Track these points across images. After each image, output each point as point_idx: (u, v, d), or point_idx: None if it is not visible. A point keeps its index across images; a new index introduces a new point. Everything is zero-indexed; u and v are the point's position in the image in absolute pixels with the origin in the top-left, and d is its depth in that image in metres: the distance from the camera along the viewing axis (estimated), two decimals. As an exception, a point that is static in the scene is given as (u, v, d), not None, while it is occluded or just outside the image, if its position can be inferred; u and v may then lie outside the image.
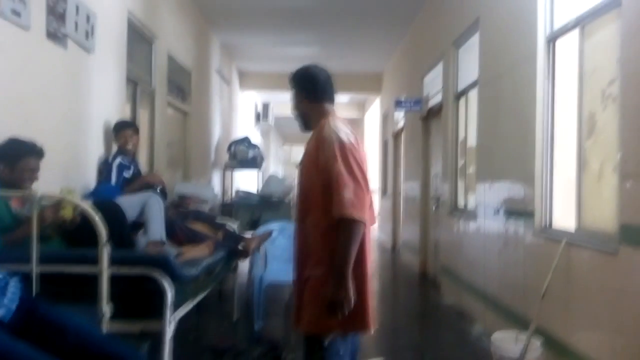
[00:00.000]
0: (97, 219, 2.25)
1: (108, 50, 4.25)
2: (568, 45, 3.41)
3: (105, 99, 4.26)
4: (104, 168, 4.03)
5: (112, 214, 2.86)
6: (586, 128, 3.14)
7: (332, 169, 1.97)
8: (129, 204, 3.36)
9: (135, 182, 4.00)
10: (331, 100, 2.30)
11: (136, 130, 4.28)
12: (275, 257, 4.88)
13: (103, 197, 3.48)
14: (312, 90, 2.27)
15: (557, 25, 3.51)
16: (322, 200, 2.00)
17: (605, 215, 2.89)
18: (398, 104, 7.70)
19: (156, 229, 3.33)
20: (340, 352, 1.98)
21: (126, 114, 4.80)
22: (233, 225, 4.88)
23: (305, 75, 2.32)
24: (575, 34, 3.28)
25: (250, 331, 4.29)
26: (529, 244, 3.67)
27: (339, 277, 1.91)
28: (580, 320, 2.97)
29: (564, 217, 3.40)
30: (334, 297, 1.90)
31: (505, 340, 3.24)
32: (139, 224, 3.41)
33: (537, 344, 3.14)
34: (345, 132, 2.10)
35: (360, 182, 1.99)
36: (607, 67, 2.92)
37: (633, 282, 2.47)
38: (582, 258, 2.97)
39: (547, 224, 3.54)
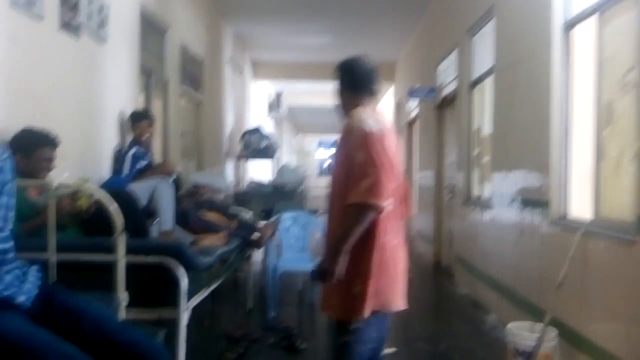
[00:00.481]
0: (113, 208, 2.27)
1: (121, 40, 4.27)
2: (585, 32, 3.34)
3: (119, 89, 4.28)
4: (120, 157, 4.06)
5: (127, 203, 2.88)
6: (604, 116, 3.09)
7: (354, 160, 1.99)
8: (138, 191, 3.39)
9: (148, 171, 4.02)
10: (370, 93, 2.29)
11: (152, 121, 4.31)
12: (289, 246, 4.91)
13: (114, 188, 3.52)
14: (350, 82, 2.30)
15: (575, 12, 3.44)
16: (345, 191, 2.01)
17: (623, 204, 2.84)
18: (411, 92, 7.64)
19: (166, 218, 3.36)
20: (365, 337, 2.03)
21: (140, 104, 4.82)
22: (247, 215, 4.90)
23: (346, 66, 2.34)
24: (592, 20, 3.21)
25: (264, 319, 4.33)
26: (544, 234, 3.63)
27: (332, 250, 1.99)
28: (596, 311, 2.94)
29: (580, 207, 3.35)
30: (322, 265, 2.00)
31: (520, 330, 3.21)
32: (151, 213, 3.44)
33: (552, 334, 3.12)
34: (371, 121, 2.08)
35: (387, 170, 2.00)
36: (625, 54, 2.86)
37: (651, 272, 2.44)
38: (598, 248, 2.93)
39: (564, 213, 3.50)
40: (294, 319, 4.51)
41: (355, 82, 2.29)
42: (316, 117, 21.51)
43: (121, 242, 2.20)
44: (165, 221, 3.37)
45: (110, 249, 2.28)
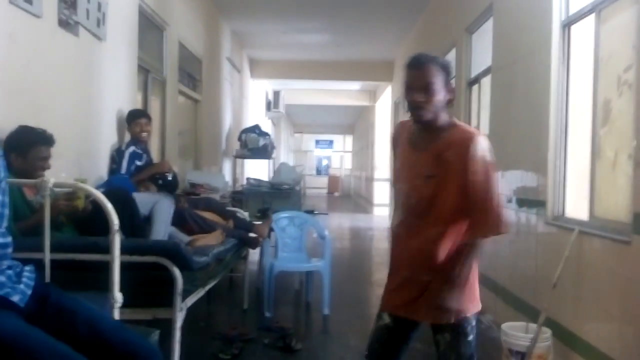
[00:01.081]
0: (109, 207, 2.26)
1: (119, 38, 4.25)
2: (583, 31, 3.34)
3: (117, 87, 4.27)
4: (117, 156, 4.05)
5: (124, 203, 2.88)
6: (601, 115, 3.09)
7: (482, 188, 1.99)
8: (140, 201, 3.39)
9: (145, 171, 4.02)
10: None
11: (149, 119, 4.30)
12: (285, 246, 4.90)
13: (118, 186, 3.51)
14: (446, 84, 2.02)
15: (573, 10, 3.45)
16: (462, 214, 2.02)
17: (619, 204, 2.85)
18: (410, 91, 7.62)
19: (159, 230, 3.36)
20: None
21: (138, 103, 4.81)
22: (244, 214, 4.90)
23: (446, 65, 2.04)
24: (591, 19, 3.21)
25: (261, 319, 4.33)
26: (540, 233, 3.63)
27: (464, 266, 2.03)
28: (591, 311, 2.94)
29: (576, 206, 3.36)
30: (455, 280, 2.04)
31: (515, 330, 3.22)
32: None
33: (546, 334, 3.12)
34: (491, 150, 2.04)
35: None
36: (623, 53, 2.87)
37: (646, 272, 2.45)
38: (594, 247, 2.93)
39: (560, 213, 3.51)
40: (290, 319, 4.51)
41: (450, 87, 2.04)
42: (314, 116, 21.53)
43: (116, 241, 2.19)
44: (157, 232, 3.36)
45: (106, 248, 2.28)
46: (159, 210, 3.41)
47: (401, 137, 2.20)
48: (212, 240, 3.50)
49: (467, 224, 2.02)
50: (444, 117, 2.05)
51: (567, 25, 3.50)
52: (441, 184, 2.01)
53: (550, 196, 3.54)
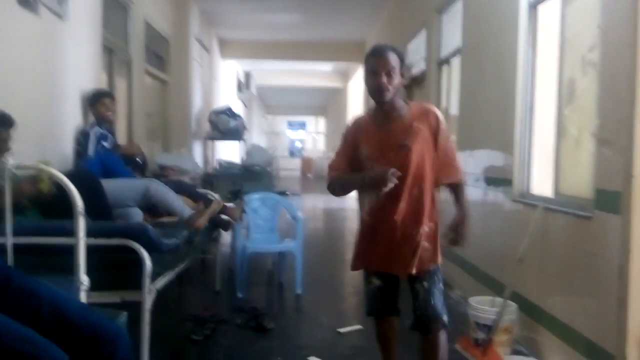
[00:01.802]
0: (73, 190, 2.21)
1: (82, 16, 4.12)
2: (550, 11, 3.38)
3: (81, 68, 4.15)
4: (82, 138, 3.95)
5: (89, 186, 2.82)
6: (566, 95, 3.15)
7: (448, 142, 2.45)
8: (128, 187, 3.35)
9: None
10: None
11: (114, 99, 4.20)
12: (257, 227, 4.90)
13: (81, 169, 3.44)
14: (401, 70, 2.37)
15: (539, -10, 3.48)
16: (432, 172, 2.42)
17: (582, 180, 2.93)
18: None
19: (180, 209, 3.47)
20: None
21: (103, 83, 4.69)
22: (215, 196, 4.86)
23: (400, 53, 2.41)
24: (557, 0, 3.25)
25: (233, 300, 4.33)
26: (507, 211, 3.72)
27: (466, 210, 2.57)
28: (555, 284, 3.03)
29: (542, 184, 3.44)
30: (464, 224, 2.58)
31: (482, 304, 3.31)
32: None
33: (512, 308, 3.22)
34: None
35: None
36: (587, 33, 2.91)
37: (606, 246, 2.53)
38: (558, 223, 3.02)
39: (526, 190, 3.59)
40: (263, 300, 4.53)
41: (403, 73, 2.40)
42: (286, 98, 21.40)
43: (81, 224, 2.15)
44: (181, 211, 3.47)
45: (71, 232, 2.23)
46: (161, 192, 3.44)
47: (359, 130, 2.50)
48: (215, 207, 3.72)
49: (436, 176, 2.44)
50: (399, 99, 2.42)
51: (534, 5, 3.53)
52: (413, 149, 2.36)
53: (517, 174, 3.62)
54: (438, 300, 2.41)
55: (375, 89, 2.34)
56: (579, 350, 2.74)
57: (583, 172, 2.91)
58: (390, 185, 2.23)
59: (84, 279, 2.15)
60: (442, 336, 2.41)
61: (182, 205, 3.53)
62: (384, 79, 2.30)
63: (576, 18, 3.08)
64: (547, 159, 3.34)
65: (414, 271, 2.39)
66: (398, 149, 2.37)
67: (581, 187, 2.92)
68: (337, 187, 2.51)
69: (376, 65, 2.32)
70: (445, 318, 2.41)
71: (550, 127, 3.28)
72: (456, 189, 2.52)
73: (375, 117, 2.47)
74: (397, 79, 2.34)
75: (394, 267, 2.46)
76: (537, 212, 3.10)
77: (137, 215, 3.45)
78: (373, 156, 2.42)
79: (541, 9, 3.50)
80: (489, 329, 3.12)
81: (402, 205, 2.40)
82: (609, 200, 2.51)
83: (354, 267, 2.60)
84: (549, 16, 3.40)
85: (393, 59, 2.33)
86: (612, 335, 2.45)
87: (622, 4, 2.45)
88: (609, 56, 2.58)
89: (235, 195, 5.18)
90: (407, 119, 2.40)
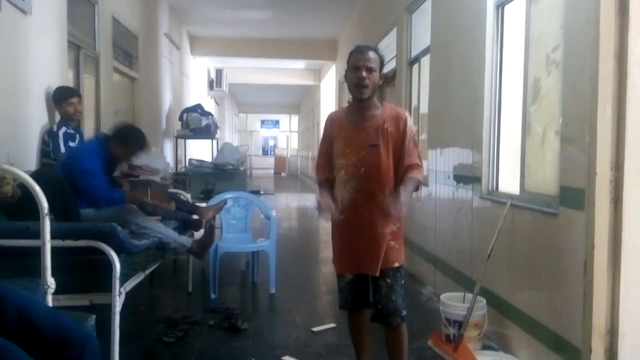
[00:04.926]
0: (38, 190, 2.16)
1: (47, 11, 4.01)
2: (516, 11, 3.45)
3: (46, 64, 4.04)
4: (49, 138, 3.86)
5: (55, 185, 2.76)
6: (531, 93, 3.22)
7: (413, 137, 2.53)
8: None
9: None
10: None
11: (81, 98, 4.11)
12: (230, 227, 4.86)
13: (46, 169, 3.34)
14: (380, 73, 2.51)
15: (506, -9, 3.54)
16: (398, 173, 2.49)
17: (547, 178, 3.00)
18: (353, 70, 7.65)
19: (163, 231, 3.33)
20: None
21: (69, 80, 4.58)
22: (186, 196, 4.80)
23: (384, 58, 2.56)
24: (522, 0, 3.31)
25: (206, 301, 4.29)
26: (476, 208, 3.78)
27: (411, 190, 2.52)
28: (522, 280, 3.10)
29: (509, 181, 3.51)
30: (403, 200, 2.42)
31: (452, 301, 3.36)
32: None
33: (482, 303, 3.28)
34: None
35: None
36: (551, 33, 2.98)
37: (571, 241, 2.60)
38: (525, 220, 3.08)
39: (494, 188, 3.66)
40: (236, 300, 4.50)
41: (381, 75, 2.53)
42: (259, 96, 21.25)
43: (47, 225, 2.10)
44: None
45: (37, 234, 2.18)
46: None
47: (336, 124, 2.61)
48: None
49: (401, 175, 2.50)
50: (375, 99, 2.53)
51: (500, 5, 3.60)
52: (383, 150, 2.47)
53: (485, 172, 3.68)
54: (399, 296, 2.51)
55: (355, 83, 2.45)
56: (546, 344, 2.81)
57: (548, 170, 2.99)
58: (323, 215, 2.42)
59: (51, 282, 2.10)
60: (402, 328, 2.55)
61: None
62: (364, 74, 2.41)
63: (541, 18, 3.15)
64: (514, 157, 3.41)
65: (377, 273, 2.50)
66: (369, 148, 2.48)
67: (547, 185, 2.99)
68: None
69: (358, 61, 2.44)
70: (404, 313, 2.53)
71: (517, 126, 3.35)
72: (406, 173, 2.49)
73: (350, 114, 2.58)
74: (376, 77, 2.46)
75: (364, 266, 2.54)
76: (505, 208, 3.16)
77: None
78: (344, 153, 2.53)
79: (507, 8, 3.57)
80: (459, 324, 3.17)
81: (372, 204, 2.48)
82: (573, 197, 2.57)
83: (338, 270, 2.66)
84: (515, 16, 3.46)
85: (374, 58, 2.45)
86: (578, 328, 2.52)
87: (585, 5, 2.52)
88: (572, 56, 2.65)
89: (208, 194, 5.13)
90: (380, 120, 2.51)
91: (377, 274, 2.49)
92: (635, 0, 2.35)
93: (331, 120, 2.67)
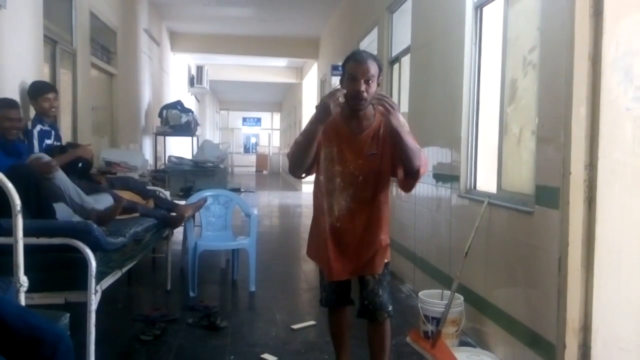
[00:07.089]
0: (10, 187, 2.11)
1: (21, 5, 3.93)
2: (494, 12, 3.49)
3: (21, 59, 3.95)
4: (24, 135, 3.77)
5: (28, 183, 2.71)
6: (508, 94, 3.27)
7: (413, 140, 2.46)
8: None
9: (67, 154, 3.75)
10: None
11: (57, 93, 4.03)
12: (210, 224, 4.83)
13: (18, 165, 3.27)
14: (379, 81, 2.42)
15: (484, -8, 3.58)
16: (389, 178, 2.50)
17: (523, 177, 3.05)
18: (334, 69, 7.69)
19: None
20: None
21: (45, 76, 4.49)
22: (165, 193, 4.76)
23: (382, 65, 2.49)
24: (500, 1, 3.36)
25: (185, 299, 4.26)
26: (454, 206, 3.82)
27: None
28: (499, 277, 3.15)
29: (486, 180, 3.55)
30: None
31: (430, 298, 3.39)
32: None
33: (459, 300, 3.32)
34: None
35: None
36: (528, 34, 3.03)
37: (546, 239, 2.64)
38: (501, 218, 3.13)
39: (471, 186, 3.70)
40: (216, 298, 4.48)
41: (380, 82, 2.44)
42: (240, 93, 21.15)
43: (19, 223, 2.06)
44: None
45: (9, 231, 2.13)
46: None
47: (331, 126, 2.45)
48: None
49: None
50: (371, 107, 2.45)
51: (479, 6, 3.64)
52: (381, 157, 2.45)
53: (463, 171, 3.72)
54: (385, 291, 2.52)
55: (353, 95, 2.34)
56: (522, 340, 2.86)
57: (525, 169, 3.03)
58: (339, 95, 2.27)
59: (24, 280, 2.06)
60: (387, 324, 2.54)
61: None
62: (363, 87, 2.32)
63: (518, 20, 3.20)
64: (491, 156, 3.45)
65: (380, 270, 2.51)
66: (367, 156, 2.45)
67: (523, 184, 3.04)
68: (293, 160, 2.47)
69: (356, 72, 2.32)
70: (390, 308, 2.53)
71: (494, 126, 3.39)
72: None
73: (346, 119, 2.47)
74: (374, 87, 2.35)
75: (365, 269, 2.53)
76: (483, 207, 3.20)
77: (107, 200, 3.34)
78: (342, 159, 2.47)
79: (486, 10, 3.61)
80: (437, 321, 3.21)
81: (368, 210, 2.50)
82: (549, 195, 2.62)
83: (331, 278, 2.55)
84: (493, 18, 3.51)
85: (373, 67, 2.33)
86: (553, 325, 2.56)
87: (560, 7, 2.56)
88: (548, 57, 2.70)
89: (188, 192, 5.08)
90: (376, 126, 2.46)
91: (380, 271, 2.50)
92: (610, 4, 2.40)
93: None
